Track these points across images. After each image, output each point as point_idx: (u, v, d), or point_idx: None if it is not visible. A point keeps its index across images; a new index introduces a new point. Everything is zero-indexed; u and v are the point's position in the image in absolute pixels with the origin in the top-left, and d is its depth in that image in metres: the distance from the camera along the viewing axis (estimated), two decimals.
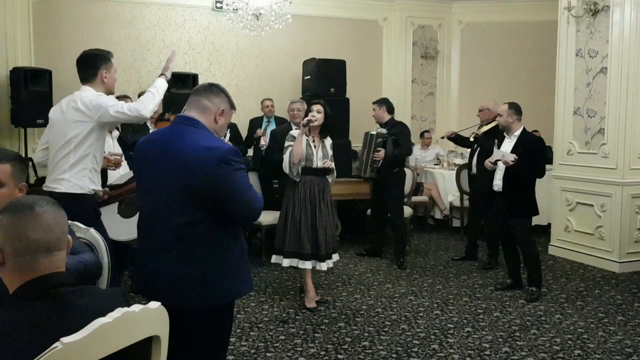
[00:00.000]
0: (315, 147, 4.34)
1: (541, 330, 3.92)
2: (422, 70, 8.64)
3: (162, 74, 3.38)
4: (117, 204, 4.11)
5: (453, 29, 8.71)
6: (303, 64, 7.49)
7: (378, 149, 5.48)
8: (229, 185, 2.11)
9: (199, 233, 2.14)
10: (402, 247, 5.78)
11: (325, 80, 7.07)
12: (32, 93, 6.01)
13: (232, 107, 2.34)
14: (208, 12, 7.44)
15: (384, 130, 5.58)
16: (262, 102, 6.86)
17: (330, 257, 4.36)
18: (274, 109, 6.71)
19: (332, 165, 4.39)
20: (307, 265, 4.27)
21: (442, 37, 8.70)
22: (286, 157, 4.27)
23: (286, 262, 4.31)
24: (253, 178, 6.13)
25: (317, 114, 4.30)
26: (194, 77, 6.74)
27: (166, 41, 7.24)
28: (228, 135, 5.15)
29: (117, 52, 3.53)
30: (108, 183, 4.07)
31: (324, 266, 4.30)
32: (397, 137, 5.54)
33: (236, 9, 6.47)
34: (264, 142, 6.03)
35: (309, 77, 7.30)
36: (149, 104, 3.21)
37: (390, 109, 5.76)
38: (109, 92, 3.27)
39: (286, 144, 4.34)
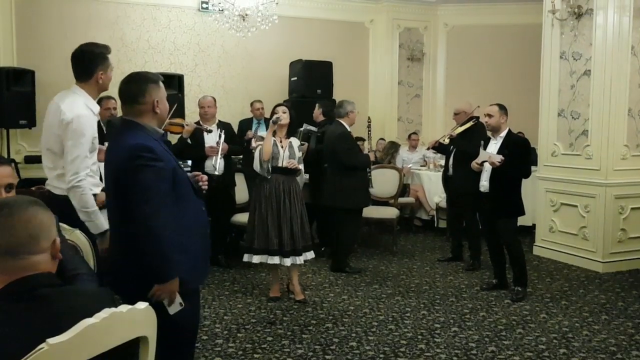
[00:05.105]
0: (282, 147, 4.48)
1: (527, 330, 3.95)
2: (408, 72, 8.68)
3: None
4: None
5: (439, 31, 8.78)
6: (290, 65, 7.48)
7: (303, 142, 5.67)
8: (132, 179, 2.07)
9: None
10: (326, 239, 5.98)
11: (311, 82, 7.08)
12: (15, 94, 5.92)
13: (157, 82, 2.27)
14: (193, 12, 7.40)
15: (312, 128, 5.88)
16: (252, 104, 6.82)
17: (296, 254, 4.41)
18: (264, 111, 6.67)
19: (297, 165, 4.50)
20: (275, 260, 4.40)
21: (428, 40, 8.75)
22: (256, 155, 4.46)
23: (256, 259, 4.44)
24: (240, 180, 6.10)
25: (283, 114, 4.48)
26: (179, 78, 6.69)
27: (151, 42, 7.20)
28: (223, 136, 5.08)
29: None
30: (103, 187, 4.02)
31: (287, 262, 4.40)
32: (322, 135, 5.84)
33: (222, 10, 6.43)
34: (255, 144, 6.01)
35: (295, 78, 7.30)
36: (81, 201, 2.83)
37: (326, 113, 6.02)
38: (102, 91, 3.13)
39: (256, 144, 4.56)
